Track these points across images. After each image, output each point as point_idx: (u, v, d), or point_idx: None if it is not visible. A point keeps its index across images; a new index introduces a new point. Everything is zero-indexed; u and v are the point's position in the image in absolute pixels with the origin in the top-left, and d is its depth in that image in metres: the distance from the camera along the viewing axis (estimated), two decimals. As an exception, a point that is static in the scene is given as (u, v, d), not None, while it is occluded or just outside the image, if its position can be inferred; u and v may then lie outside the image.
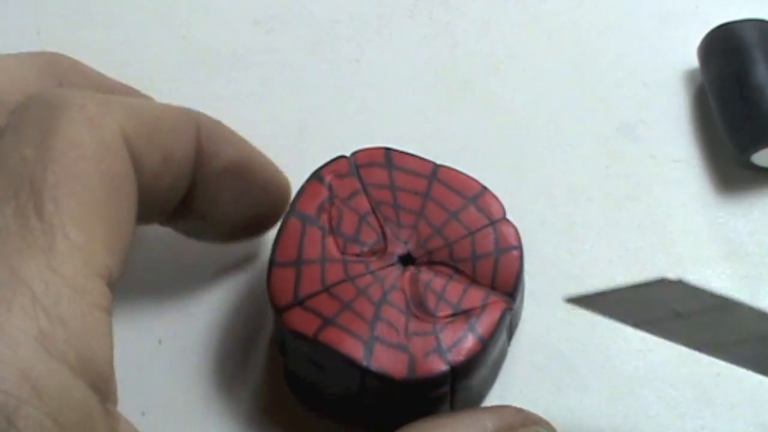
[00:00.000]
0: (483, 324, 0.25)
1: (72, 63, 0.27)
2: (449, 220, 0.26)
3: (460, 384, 0.25)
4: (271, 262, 0.26)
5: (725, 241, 0.30)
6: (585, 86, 0.34)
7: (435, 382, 0.24)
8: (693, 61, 0.33)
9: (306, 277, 0.25)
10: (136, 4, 0.36)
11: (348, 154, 0.28)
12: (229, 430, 0.27)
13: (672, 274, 0.29)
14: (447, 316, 0.25)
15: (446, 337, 0.24)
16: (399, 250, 0.26)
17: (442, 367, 0.24)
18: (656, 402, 0.27)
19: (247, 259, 0.30)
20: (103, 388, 0.18)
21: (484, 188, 0.27)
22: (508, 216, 0.27)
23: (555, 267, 0.30)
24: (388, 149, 0.28)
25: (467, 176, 0.27)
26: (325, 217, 0.26)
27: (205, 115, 0.26)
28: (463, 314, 0.25)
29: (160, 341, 0.29)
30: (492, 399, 0.27)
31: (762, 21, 0.32)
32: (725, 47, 0.32)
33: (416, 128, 0.33)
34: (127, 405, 0.27)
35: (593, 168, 0.32)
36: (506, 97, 0.34)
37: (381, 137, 0.31)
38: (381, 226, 0.26)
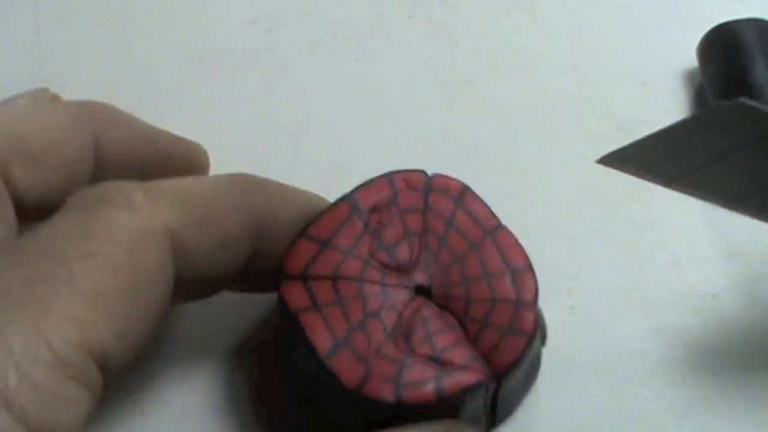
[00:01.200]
0: (450, 382, 0.24)
1: (109, 113, 0.27)
2: (481, 277, 0.26)
3: (403, 421, 0.24)
4: (301, 233, 0.25)
5: (725, 240, 0.30)
6: (584, 86, 0.34)
7: (374, 406, 0.24)
8: (692, 60, 0.33)
9: (322, 259, 0.25)
10: (136, 4, 0.36)
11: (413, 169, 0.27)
12: (229, 429, 0.27)
13: (672, 274, 0.29)
14: (423, 356, 0.24)
15: (410, 373, 0.24)
16: (421, 278, 0.26)
17: (389, 397, 0.23)
18: (656, 402, 0.27)
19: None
20: None
21: (530, 267, 0.26)
22: (507, 216, 0.27)
23: (555, 267, 0.30)
24: (465, 186, 0.27)
25: (521, 249, 0.26)
26: (375, 216, 0.26)
27: (257, 181, 0.26)
28: (440, 363, 0.24)
29: (159, 341, 0.29)
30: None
31: (761, 20, 0.32)
32: (724, 46, 0.32)
33: (415, 128, 0.33)
34: (126, 404, 0.27)
35: (593, 167, 0.32)
36: (505, 96, 0.34)
37: (380, 137, 0.31)
38: (419, 251, 0.26)
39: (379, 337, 0.24)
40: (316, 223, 0.26)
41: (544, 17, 0.36)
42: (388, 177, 0.27)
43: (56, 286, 0.19)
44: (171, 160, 0.28)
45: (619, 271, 0.30)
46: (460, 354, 0.24)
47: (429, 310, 0.25)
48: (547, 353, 0.28)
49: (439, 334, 0.25)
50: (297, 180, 0.28)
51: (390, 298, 0.25)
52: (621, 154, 0.22)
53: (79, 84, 0.34)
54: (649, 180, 0.24)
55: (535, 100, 0.34)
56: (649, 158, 0.23)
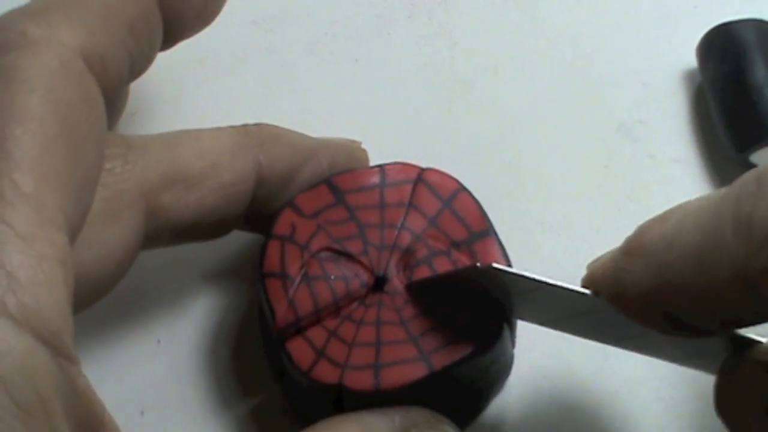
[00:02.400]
0: (390, 373, 0.24)
1: (275, 134, 0.27)
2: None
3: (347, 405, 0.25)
4: (289, 203, 0.27)
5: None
6: (584, 86, 0.34)
7: (319, 385, 0.24)
8: (692, 60, 0.34)
9: (300, 231, 0.26)
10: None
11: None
12: (228, 429, 0.27)
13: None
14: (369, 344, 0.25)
15: (354, 361, 0.24)
16: (382, 272, 0.26)
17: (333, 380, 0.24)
18: (656, 402, 0.27)
19: (248, 259, 0.30)
20: (53, 341, 0.17)
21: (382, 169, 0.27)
22: (507, 216, 0.27)
23: (554, 267, 0.30)
24: (460, 187, 0.28)
25: (502, 260, 0.27)
26: (354, 202, 0.27)
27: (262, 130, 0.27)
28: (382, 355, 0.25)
29: (158, 341, 0.29)
30: (491, 399, 0.27)
31: (760, 21, 0.32)
32: (724, 47, 0.32)
33: (414, 127, 0.33)
34: (126, 404, 0.27)
35: (592, 168, 0.32)
36: (505, 96, 0.34)
37: (380, 137, 0.31)
38: (391, 245, 0.27)
39: (334, 323, 0.25)
40: (302, 195, 0.27)
41: (544, 17, 0.36)
42: (381, 168, 0.27)
43: None
44: (335, 168, 0.28)
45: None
46: (405, 350, 0.24)
47: (386, 301, 0.26)
48: (546, 353, 0.28)
49: (386, 326, 0.25)
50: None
51: (350, 286, 0.26)
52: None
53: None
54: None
55: (535, 100, 0.34)
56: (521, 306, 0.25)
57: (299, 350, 0.25)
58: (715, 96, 0.32)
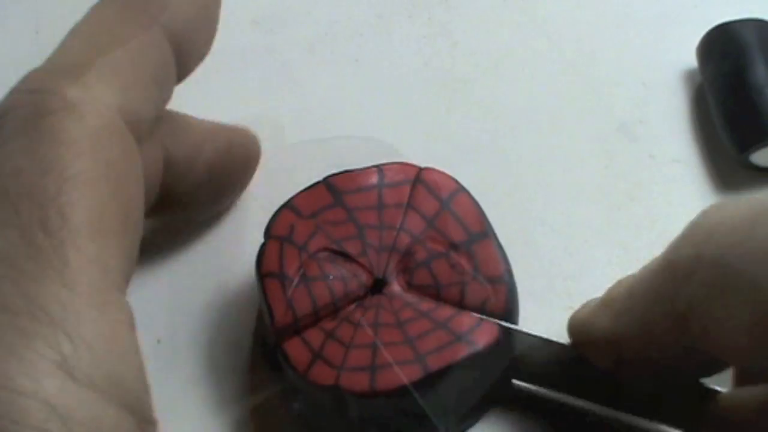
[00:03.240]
0: (383, 377, 0.24)
1: (171, 118, 0.27)
2: (452, 284, 0.26)
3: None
4: (286, 204, 0.27)
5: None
6: (584, 86, 0.34)
7: (315, 386, 0.24)
8: (692, 60, 0.33)
9: (299, 231, 0.26)
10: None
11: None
12: (228, 429, 0.27)
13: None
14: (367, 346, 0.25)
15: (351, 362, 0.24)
16: (380, 273, 0.26)
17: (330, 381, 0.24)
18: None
19: (248, 258, 0.30)
20: (137, 408, 0.17)
21: (504, 280, 0.26)
22: (507, 216, 0.27)
23: (554, 267, 0.30)
24: (459, 187, 0.28)
25: (499, 260, 0.27)
26: (353, 202, 0.27)
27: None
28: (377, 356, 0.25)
29: (159, 341, 0.29)
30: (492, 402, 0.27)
31: (760, 21, 0.32)
32: (724, 47, 0.32)
33: (415, 127, 0.33)
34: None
35: (592, 168, 0.32)
36: (505, 96, 0.34)
37: (379, 136, 0.31)
38: (390, 245, 0.27)
39: (332, 324, 0.25)
40: (300, 196, 0.27)
41: (544, 17, 0.36)
42: (378, 168, 0.27)
43: (56, 233, 0.18)
44: (232, 150, 0.28)
45: (619, 271, 0.30)
46: (401, 352, 0.24)
47: (385, 304, 0.26)
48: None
49: (383, 328, 0.25)
50: (297, 178, 0.28)
51: (348, 286, 0.26)
52: None
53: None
54: None
55: (535, 100, 0.34)
56: None
57: (296, 351, 0.25)
58: (715, 96, 0.32)
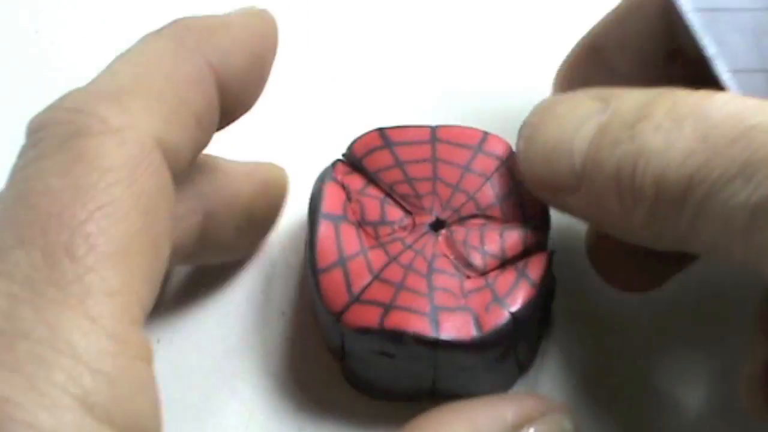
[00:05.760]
0: (532, 269, 0.25)
1: (209, 165, 0.26)
2: (463, 174, 0.27)
3: (522, 333, 0.25)
4: (315, 271, 0.25)
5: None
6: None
7: (500, 334, 0.24)
8: (692, 60, 0.33)
9: (354, 272, 0.25)
10: (135, 4, 0.36)
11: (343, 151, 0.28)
12: (228, 429, 0.27)
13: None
14: (495, 267, 0.25)
15: (500, 287, 0.25)
16: (427, 218, 0.27)
17: (505, 315, 0.24)
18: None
19: (247, 258, 0.30)
20: None
21: (486, 133, 0.28)
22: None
23: (555, 267, 0.30)
24: (381, 130, 0.28)
25: (465, 128, 0.28)
26: (350, 212, 0.27)
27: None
28: (511, 263, 0.26)
29: (158, 341, 0.29)
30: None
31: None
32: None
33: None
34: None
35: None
36: (505, 96, 0.34)
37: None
38: (402, 203, 0.27)
39: (453, 282, 0.25)
40: (318, 257, 0.26)
41: (544, 17, 0.36)
42: (330, 178, 0.27)
43: (81, 260, 0.17)
44: (267, 191, 0.28)
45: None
46: (514, 241, 0.26)
47: (458, 233, 0.26)
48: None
49: (484, 242, 0.26)
50: (297, 178, 0.28)
51: (425, 251, 0.26)
52: None
53: (79, 85, 0.34)
54: None
55: (535, 100, 0.34)
56: None
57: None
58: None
